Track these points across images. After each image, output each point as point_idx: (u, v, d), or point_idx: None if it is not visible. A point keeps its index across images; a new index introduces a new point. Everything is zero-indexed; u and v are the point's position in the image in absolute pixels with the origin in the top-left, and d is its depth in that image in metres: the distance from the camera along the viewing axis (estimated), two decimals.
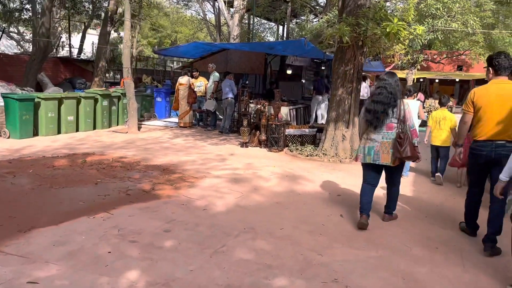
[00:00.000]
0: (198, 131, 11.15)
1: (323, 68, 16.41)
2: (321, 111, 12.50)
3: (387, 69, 20.88)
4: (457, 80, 25.30)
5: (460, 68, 27.14)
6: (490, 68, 3.77)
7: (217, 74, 11.08)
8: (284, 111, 11.49)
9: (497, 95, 3.62)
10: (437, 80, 26.95)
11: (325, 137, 8.31)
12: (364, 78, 15.33)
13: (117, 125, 11.40)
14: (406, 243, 3.94)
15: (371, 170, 4.18)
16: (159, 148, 8.22)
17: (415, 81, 21.13)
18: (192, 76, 11.76)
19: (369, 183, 4.23)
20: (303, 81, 15.37)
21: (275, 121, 8.52)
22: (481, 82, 25.66)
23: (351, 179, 6.32)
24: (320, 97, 12.32)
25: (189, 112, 11.58)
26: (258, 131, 9.12)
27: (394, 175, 4.31)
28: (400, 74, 22.56)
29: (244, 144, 8.86)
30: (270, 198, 5.16)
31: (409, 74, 17.81)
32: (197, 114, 12.40)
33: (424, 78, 25.07)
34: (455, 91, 27.26)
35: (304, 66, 15.60)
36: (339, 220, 4.49)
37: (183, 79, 11.54)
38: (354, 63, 7.96)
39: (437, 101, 17.75)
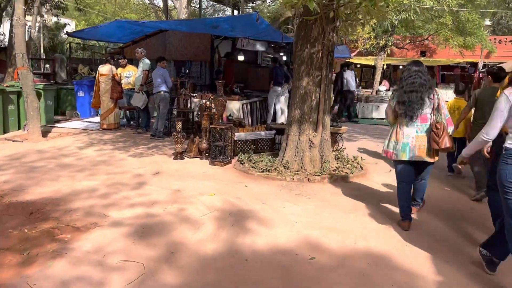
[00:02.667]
0: (125, 134, 8.70)
1: (282, 54, 14.30)
2: (281, 105, 10.38)
3: (352, 55, 19.07)
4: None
5: (423, 53, 25.89)
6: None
7: (147, 61, 8.64)
8: (236, 106, 9.31)
9: None
10: (401, 67, 25.51)
11: (287, 143, 6.16)
12: (347, 65, 13.45)
13: (18, 129, 8.74)
14: None
15: (406, 167, 3.93)
16: (54, 167, 5.77)
17: (384, 67, 19.44)
18: (118, 65, 9.26)
19: (406, 182, 3.97)
20: (259, 69, 13.16)
21: (219, 124, 6.26)
22: (446, 68, 24.65)
23: (328, 214, 4.22)
24: (279, 89, 10.19)
25: (113, 110, 9.07)
26: (197, 137, 6.83)
27: (426, 169, 4.03)
28: (366, 61, 20.85)
29: (178, 155, 6.56)
30: (194, 276, 2.94)
31: (378, 60, 15.99)
32: (127, 112, 9.92)
33: (388, 64, 23.54)
34: None
35: (260, 52, 13.39)
36: None
37: (104, 68, 9.00)
38: (323, 43, 5.83)
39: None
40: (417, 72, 3.82)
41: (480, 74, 21.93)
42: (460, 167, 3.71)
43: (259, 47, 12.02)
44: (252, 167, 6.09)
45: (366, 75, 26.04)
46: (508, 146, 2.64)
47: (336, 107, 12.89)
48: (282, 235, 3.66)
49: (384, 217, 4.21)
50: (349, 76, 12.56)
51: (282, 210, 4.29)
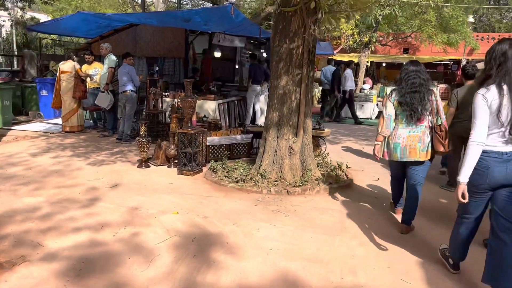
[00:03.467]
0: (89, 138, 7.93)
1: (262, 51, 13.65)
2: (260, 105, 9.75)
3: (335, 52, 18.55)
4: (404, 63, 23.62)
5: (406, 51, 25.59)
6: None
7: (113, 57, 7.87)
8: (211, 106, 8.64)
9: None
10: (384, 64, 25.22)
11: (264, 150, 5.52)
12: (348, 64, 12.77)
13: None
14: None
15: (398, 168, 4.02)
16: None
17: (369, 64, 18.99)
18: (84, 61, 8.46)
19: (397, 179, 4.15)
20: (237, 67, 12.50)
21: (188, 128, 5.57)
22: (429, 65, 24.37)
23: (310, 238, 3.59)
24: (258, 87, 9.56)
25: (76, 111, 8.28)
26: (165, 141, 6.13)
27: (419, 172, 3.77)
28: (349, 58, 20.38)
29: (143, 163, 5.85)
30: None
31: (362, 57, 15.47)
32: (94, 113, 9.13)
33: (371, 62, 23.13)
34: None
35: (239, 48, 12.71)
36: None
37: (66, 65, 8.19)
38: (304, 38, 5.20)
39: (388, 88, 15.70)
40: (416, 72, 3.73)
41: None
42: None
43: (238, 43, 11.34)
44: (225, 176, 5.43)
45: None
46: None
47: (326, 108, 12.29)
48: (253, 269, 3.01)
49: (374, 240, 3.61)
50: (349, 75, 11.96)
51: (256, 234, 3.64)
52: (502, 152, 2.49)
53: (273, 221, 3.97)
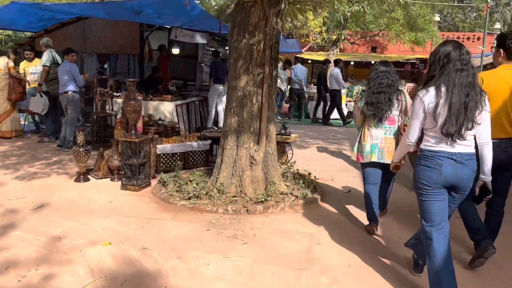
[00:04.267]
0: (26, 145, 6.98)
1: (227, 48, 12.91)
2: (223, 106, 8.99)
3: (303, 50, 18.04)
4: (372, 62, 23.45)
5: (374, 49, 25.47)
6: (502, 50, 3.07)
7: (49, 54, 6.92)
8: (168, 108, 7.87)
9: (509, 83, 2.97)
10: (352, 63, 24.98)
11: (222, 160, 4.82)
12: (336, 62, 12.11)
13: None
14: None
15: (374, 169, 3.80)
16: None
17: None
18: (24, 58, 7.49)
19: (373, 183, 3.83)
20: (203, 65, 11.70)
21: (132, 136, 4.78)
22: (397, 64, 24.32)
23: (271, 276, 2.93)
24: (221, 87, 8.85)
25: (10, 114, 7.29)
26: (108, 151, 5.32)
27: (392, 173, 3.57)
28: (318, 56, 19.94)
29: (81, 176, 5.02)
30: None
31: (330, 55, 14.99)
32: (35, 115, 8.16)
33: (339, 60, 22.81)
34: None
35: (202, 45, 11.91)
36: None
37: None
38: (265, 32, 4.54)
39: (356, 87, 15.32)
40: (385, 72, 3.73)
41: None
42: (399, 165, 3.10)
43: (200, 39, 10.52)
44: (177, 191, 4.70)
45: (317, 71, 25.26)
46: (422, 147, 2.60)
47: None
48: None
49: (348, 273, 2.99)
50: (337, 74, 11.31)
51: (204, 272, 2.94)
52: (451, 153, 2.49)
53: (227, 251, 3.27)
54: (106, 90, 7.13)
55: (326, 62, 12.13)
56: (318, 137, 9.08)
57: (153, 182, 5.04)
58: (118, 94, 7.88)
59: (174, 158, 5.54)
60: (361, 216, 4.16)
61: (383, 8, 17.78)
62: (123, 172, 4.79)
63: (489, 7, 13.33)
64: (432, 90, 2.48)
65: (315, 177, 5.21)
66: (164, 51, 9.81)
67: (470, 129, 2.43)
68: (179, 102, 8.13)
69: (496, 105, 2.95)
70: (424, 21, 18.26)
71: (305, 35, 18.97)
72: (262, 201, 4.40)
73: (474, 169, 2.53)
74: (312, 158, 6.83)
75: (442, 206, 2.57)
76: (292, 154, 6.15)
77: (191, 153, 5.72)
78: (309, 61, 24.40)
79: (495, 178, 2.86)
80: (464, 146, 2.48)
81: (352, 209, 4.43)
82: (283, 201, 4.43)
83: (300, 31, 17.52)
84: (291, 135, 6.06)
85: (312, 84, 16.30)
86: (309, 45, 18.35)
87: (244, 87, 4.68)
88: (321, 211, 4.30)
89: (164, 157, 5.47)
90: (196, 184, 4.74)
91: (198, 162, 5.81)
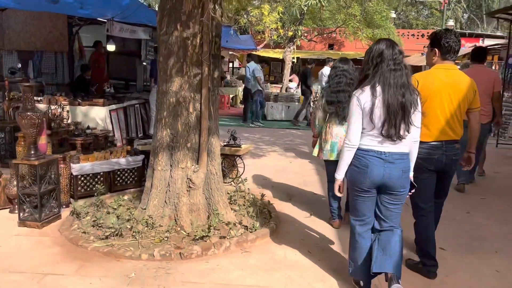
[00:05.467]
0: None
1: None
2: None
3: (258, 47, 17.19)
4: (308, 59, 22.96)
5: (331, 47, 25.09)
6: (436, 50, 2.96)
7: None
8: (100, 114, 6.78)
9: (446, 83, 2.89)
10: (308, 60, 24.45)
11: (152, 184, 3.83)
12: (325, 62, 11.24)
13: None
14: None
15: (334, 167, 3.10)
16: None
17: (294, 61, 17.87)
18: None
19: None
20: (145, 63, 10.55)
21: (31, 156, 3.66)
22: (354, 62, 24.06)
23: None
24: None
25: None
26: (4, 175, 4.16)
27: None
28: (274, 54, 19.21)
29: None
30: None
31: (287, 53, 14.17)
32: None
33: (297, 58, 22.19)
34: None
35: (145, 41, 10.74)
36: None
37: None
38: (202, 23, 3.60)
39: (315, 85, 14.66)
40: (343, 71, 3.78)
41: None
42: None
43: (142, 35, 9.40)
44: (93, 225, 3.66)
45: (275, 69, 24.48)
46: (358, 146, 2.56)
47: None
48: None
49: None
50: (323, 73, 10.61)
51: None
52: (380, 151, 2.49)
53: None
54: (19, 94, 5.90)
55: (312, 62, 11.48)
56: (275, 143, 8.24)
57: (66, 212, 3.97)
58: (39, 99, 6.65)
59: (96, 179, 4.48)
60: (325, 253, 3.32)
61: (339, 3, 17.29)
62: (20, 204, 3.68)
63: (446, 3, 13.02)
64: (367, 89, 2.46)
65: (269, 202, 4.31)
66: (100, 48, 8.60)
67: (408, 130, 2.45)
68: (113, 106, 7.03)
69: (435, 107, 2.88)
70: (381, 17, 17.92)
71: (260, 31, 18.16)
72: (202, 237, 3.45)
73: (405, 168, 2.52)
74: (267, 170, 5.95)
75: (369, 205, 2.64)
76: (244, 168, 5.24)
77: (119, 172, 4.68)
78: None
79: (438, 180, 3.00)
80: (396, 146, 2.48)
81: (315, 240, 3.58)
82: (228, 236, 3.50)
83: (256, 28, 16.69)
84: (242, 146, 5.15)
85: (268, 84, 15.47)
86: (265, 42, 17.52)
87: (178, 92, 3.71)
88: (276, 250, 3.40)
89: (83, 178, 4.39)
90: (117, 217, 3.71)
91: (128, 182, 4.78)
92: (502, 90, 7.15)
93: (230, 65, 19.56)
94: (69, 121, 6.04)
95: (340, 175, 2.64)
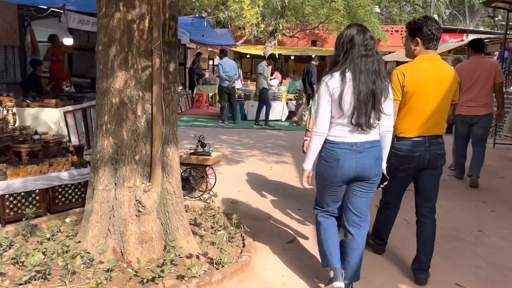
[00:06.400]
0: None
1: None
2: None
3: (238, 43, 16.39)
4: (313, 56, 22.34)
5: (314, 43, 24.46)
6: (418, 39, 2.77)
7: None
8: (52, 118, 5.98)
9: (433, 75, 2.73)
10: (292, 57, 23.79)
11: (92, 207, 3.02)
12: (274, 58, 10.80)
13: None
14: None
15: None
16: None
17: (278, 58, 17.12)
18: None
19: None
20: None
21: None
22: None
23: None
24: None
25: None
26: None
27: None
28: (256, 50, 18.47)
29: None
30: None
31: (267, 48, 13.37)
32: None
33: (279, 54, 21.46)
34: None
35: None
36: None
37: None
38: (150, 2, 2.80)
39: (298, 82, 13.98)
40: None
41: None
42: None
43: None
44: (14, 263, 2.84)
45: (257, 66, 23.75)
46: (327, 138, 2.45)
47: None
48: None
49: None
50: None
51: None
52: (351, 143, 2.40)
53: None
54: None
55: (316, 57, 10.84)
56: (255, 146, 7.47)
57: None
58: None
59: (30, 198, 3.64)
60: None
61: None
62: None
63: None
64: (336, 75, 2.38)
65: (242, 225, 3.51)
66: (56, 42, 7.69)
67: (379, 119, 2.38)
68: (70, 108, 6.18)
69: (421, 101, 2.74)
70: (365, 12, 17.35)
71: (241, 27, 17.41)
72: (153, 279, 2.66)
73: (377, 156, 2.45)
74: (244, 179, 5.18)
75: (336, 198, 2.57)
76: (216, 179, 4.46)
77: (61, 189, 3.84)
78: (248, 56, 22.89)
79: (422, 181, 2.84)
80: (366, 135, 2.40)
81: (299, 284, 2.81)
82: (187, 276, 2.71)
83: (236, 23, 15.92)
84: (212, 154, 4.36)
85: (249, 81, 14.71)
86: (245, 38, 16.74)
87: (122, 90, 2.91)
88: None
89: (12, 199, 3.55)
90: (43, 253, 2.88)
91: (74, 200, 3.94)
92: None
93: (210, 62, 18.69)
94: (16, 125, 5.21)
95: (308, 165, 2.52)
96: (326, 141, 2.43)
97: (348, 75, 2.33)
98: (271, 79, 13.43)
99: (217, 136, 8.30)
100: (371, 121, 2.34)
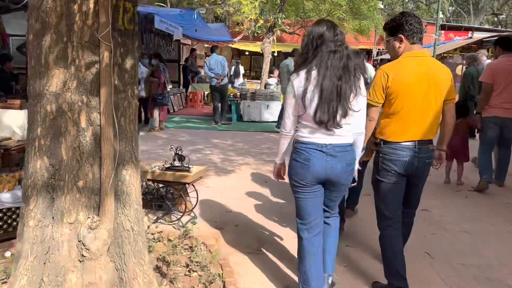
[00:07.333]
0: None
1: None
2: None
3: (236, 39, 15.64)
4: None
5: None
6: (402, 36, 2.60)
7: None
8: (18, 121, 5.32)
9: (419, 74, 2.53)
10: None
11: (22, 248, 2.27)
12: (291, 53, 9.92)
13: None
14: None
15: None
16: None
17: (275, 54, 16.36)
18: None
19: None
20: None
21: None
22: None
23: None
24: None
25: None
26: None
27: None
28: (254, 47, 17.70)
29: None
30: None
31: (265, 44, 12.61)
32: None
33: (278, 52, 20.70)
34: None
35: None
36: None
37: None
38: None
39: None
40: (355, 65, 2.87)
41: (375, 62, 20.32)
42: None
43: None
44: None
45: (256, 63, 22.94)
46: (295, 138, 2.41)
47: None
48: None
49: None
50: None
51: None
52: (321, 144, 2.32)
53: None
54: None
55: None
56: (249, 152, 6.72)
57: None
58: None
59: None
60: None
61: None
62: None
63: None
64: (302, 73, 2.30)
65: (221, 266, 2.76)
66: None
67: (345, 116, 2.26)
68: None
69: (408, 102, 2.54)
70: (368, 7, 16.60)
71: (239, 22, 16.65)
72: None
73: (348, 161, 2.36)
74: (233, 196, 4.44)
75: (315, 203, 2.44)
76: (197, 199, 3.71)
77: (1, 214, 3.10)
78: (247, 53, 22.11)
79: (407, 189, 2.69)
80: (337, 137, 2.31)
81: None
82: None
83: (233, 18, 15.17)
84: (192, 169, 3.60)
85: (245, 79, 13.94)
86: (243, 34, 15.97)
87: (60, 95, 2.17)
88: None
89: None
90: None
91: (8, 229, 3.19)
92: None
93: (206, 59, 17.94)
94: None
95: (279, 159, 2.56)
96: (297, 141, 2.38)
97: (314, 73, 2.26)
98: (269, 77, 12.69)
99: (209, 140, 7.56)
100: (338, 119, 2.23)
